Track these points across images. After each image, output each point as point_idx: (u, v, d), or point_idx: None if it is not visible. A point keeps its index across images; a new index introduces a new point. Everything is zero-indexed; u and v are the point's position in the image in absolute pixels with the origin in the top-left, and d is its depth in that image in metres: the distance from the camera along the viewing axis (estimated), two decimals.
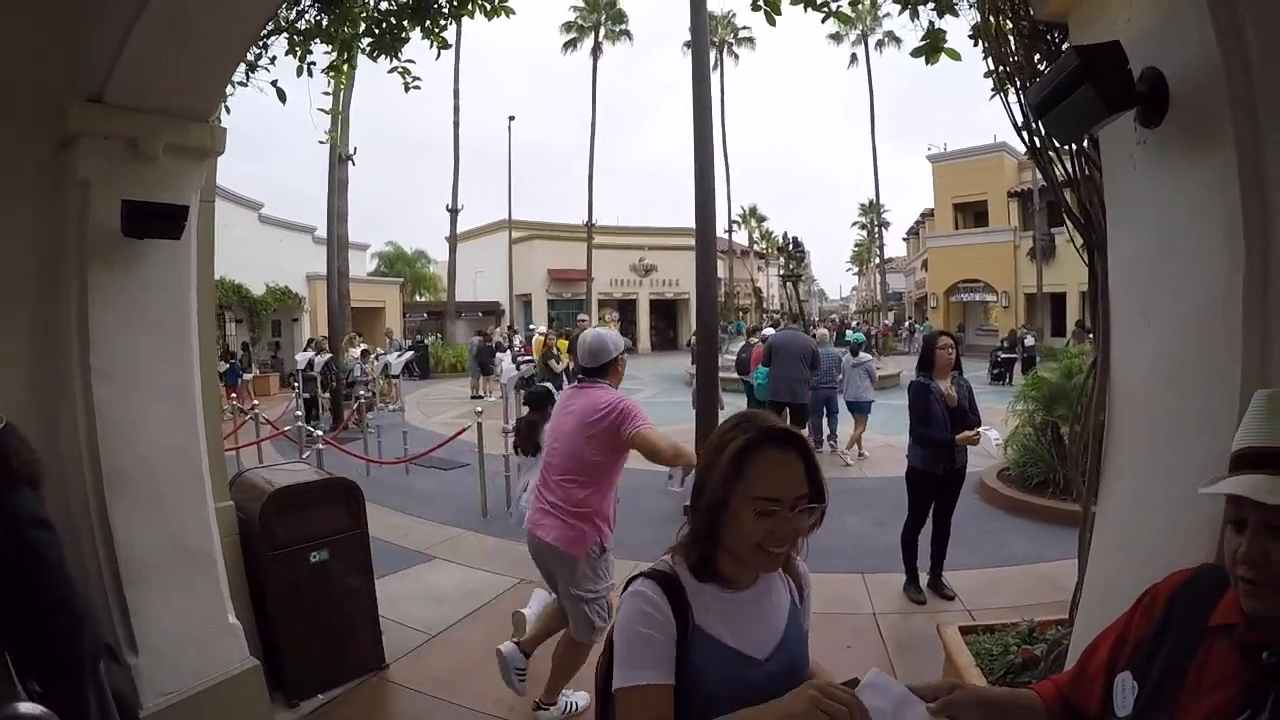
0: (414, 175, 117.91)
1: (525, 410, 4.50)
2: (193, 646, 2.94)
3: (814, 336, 9.99)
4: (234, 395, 11.65)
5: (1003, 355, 19.71)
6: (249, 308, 20.19)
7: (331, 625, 3.54)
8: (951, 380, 4.75)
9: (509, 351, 9.12)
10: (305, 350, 15.68)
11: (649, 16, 65.26)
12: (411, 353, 11.41)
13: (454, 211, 26.28)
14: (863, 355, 9.21)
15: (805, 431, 8.59)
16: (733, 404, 11.25)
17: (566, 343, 13.75)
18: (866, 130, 47.36)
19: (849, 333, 11.48)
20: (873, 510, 6.80)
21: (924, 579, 4.81)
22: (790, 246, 21.89)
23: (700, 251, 7.22)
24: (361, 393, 10.06)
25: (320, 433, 6.61)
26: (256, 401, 10.23)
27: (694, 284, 7.10)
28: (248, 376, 16.15)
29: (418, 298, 40.08)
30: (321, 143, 3.67)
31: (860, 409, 8.90)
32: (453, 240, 26.78)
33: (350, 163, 15.55)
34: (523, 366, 7.11)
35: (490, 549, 5.86)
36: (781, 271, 24.59)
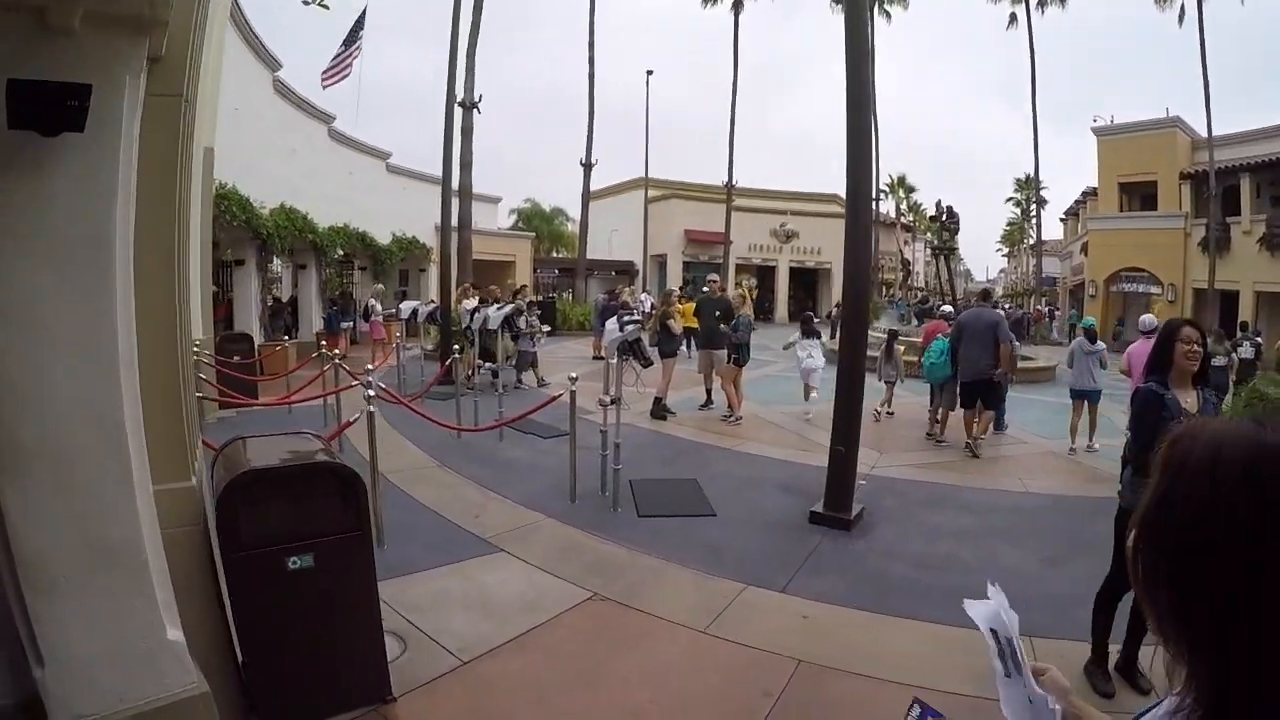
0: (560, 135, 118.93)
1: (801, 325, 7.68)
2: (116, 665, 2.28)
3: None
4: (325, 344, 11.61)
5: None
6: (374, 256, 20.33)
7: (316, 647, 2.75)
8: (1197, 394, 3.29)
9: (617, 314, 8.39)
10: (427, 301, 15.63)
11: None
12: (510, 307, 10.77)
13: (587, 166, 25.65)
14: (1098, 344, 8.84)
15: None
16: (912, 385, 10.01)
17: (692, 306, 12.69)
18: (1020, 100, 42.42)
19: (1086, 319, 11.14)
20: (1037, 540, 5.37)
21: (1112, 657, 3.44)
22: (944, 216, 19.43)
23: (850, 210, 5.97)
24: (455, 347, 9.57)
25: (369, 384, 5.75)
26: (339, 351, 9.97)
27: (836, 253, 6.15)
28: (347, 325, 16.27)
29: (555, 254, 40.26)
30: (306, 2, 2.80)
31: (1092, 397, 8.52)
32: (585, 195, 26.21)
33: (476, 110, 15.14)
34: (628, 328, 6.24)
35: (568, 544, 4.99)
36: (934, 243, 22.04)
